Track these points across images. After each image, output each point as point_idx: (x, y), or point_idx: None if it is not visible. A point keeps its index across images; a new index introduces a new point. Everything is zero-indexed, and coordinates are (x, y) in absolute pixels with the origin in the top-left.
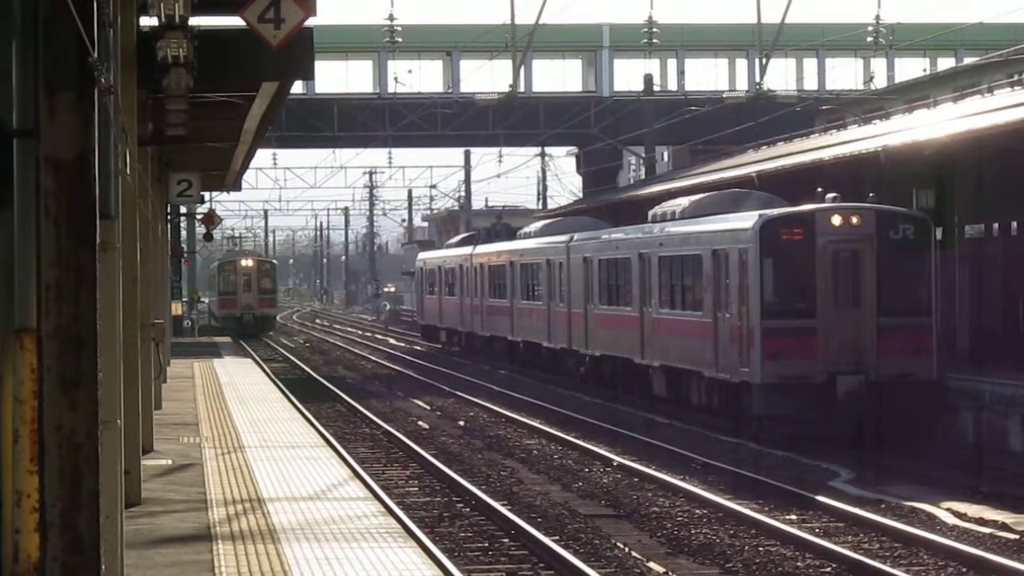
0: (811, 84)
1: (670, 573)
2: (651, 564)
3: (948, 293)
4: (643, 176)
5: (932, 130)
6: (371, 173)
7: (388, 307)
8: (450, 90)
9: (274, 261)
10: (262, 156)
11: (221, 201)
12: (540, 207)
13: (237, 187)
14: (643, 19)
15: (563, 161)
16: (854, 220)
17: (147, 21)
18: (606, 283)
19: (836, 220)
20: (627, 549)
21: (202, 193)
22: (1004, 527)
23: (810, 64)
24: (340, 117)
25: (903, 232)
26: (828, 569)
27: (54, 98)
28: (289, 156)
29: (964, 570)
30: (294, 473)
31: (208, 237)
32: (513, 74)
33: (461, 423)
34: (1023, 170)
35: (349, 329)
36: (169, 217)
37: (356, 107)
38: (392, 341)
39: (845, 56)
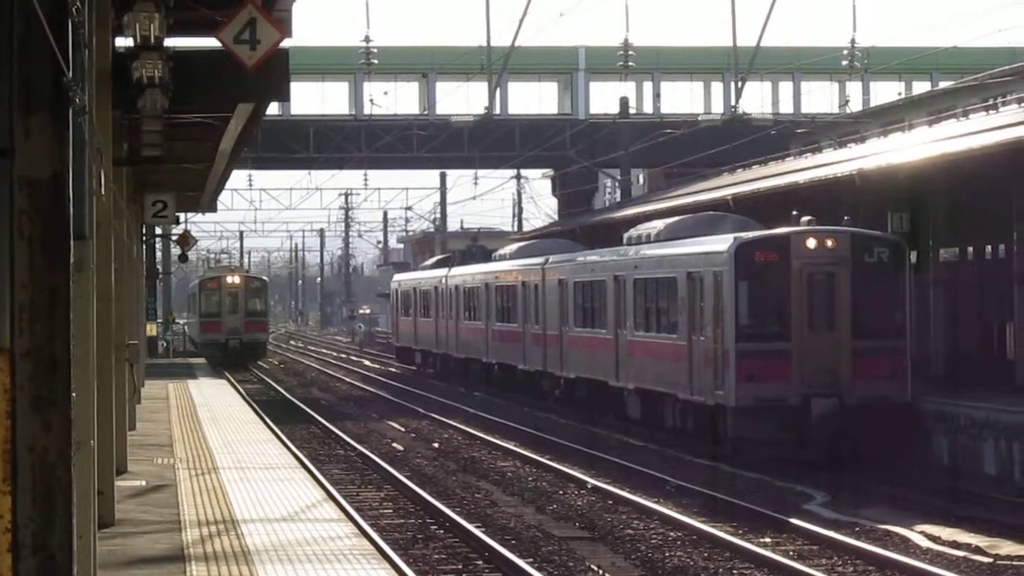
0: (787, 107)
1: None
2: None
3: (923, 316)
4: (618, 199)
5: (907, 154)
6: (347, 194)
7: (363, 329)
8: (426, 112)
9: (265, 279)
10: (237, 177)
11: (196, 222)
12: (515, 229)
13: (212, 208)
14: (619, 42)
15: (539, 183)
16: (829, 243)
17: (123, 42)
18: (581, 305)
19: (811, 243)
20: (601, 571)
21: (177, 214)
22: (978, 550)
23: (786, 87)
24: (316, 138)
25: (878, 255)
26: None
27: (29, 118)
28: (265, 177)
29: None
30: (268, 494)
31: (183, 258)
32: (489, 96)
33: (436, 445)
34: (998, 194)
35: (324, 351)
36: (144, 238)
37: (332, 128)
38: (367, 363)
39: (820, 80)
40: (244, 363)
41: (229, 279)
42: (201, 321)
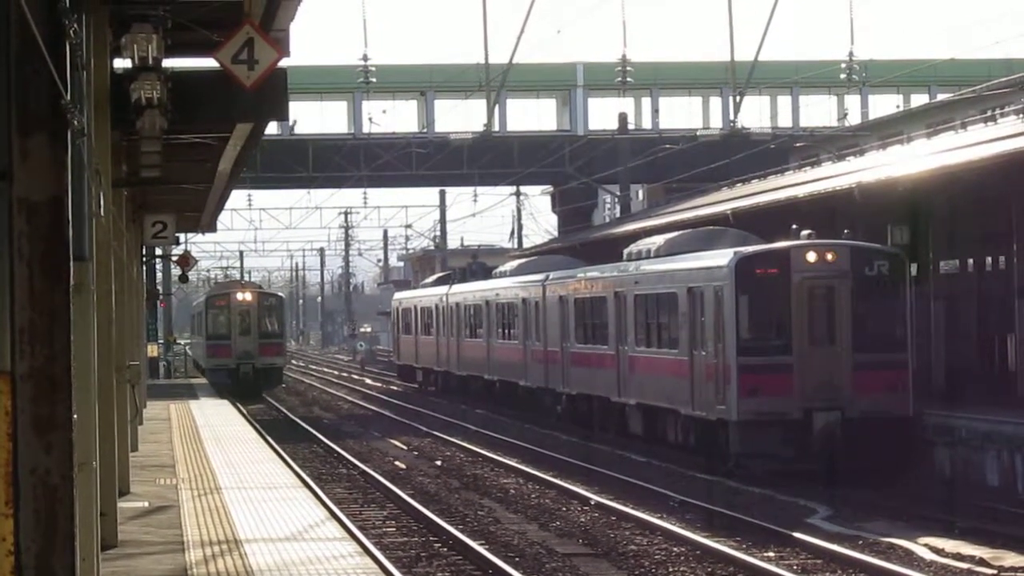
0: (785, 121)
1: None
2: None
3: (923, 329)
4: (618, 214)
5: (906, 166)
6: (346, 213)
7: (364, 347)
8: (424, 130)
9: (280, 295)
10: (237, 197)
11: (196, 242)
12: (515, 246)
13: (212, 228)
14: (617, 58)
15: (538, 200)
16: (829, 257)
17: (121, 63)
18: (582, 321)
19: (811, 257)
20: None
21: (177, 234)
22: (982, 562)
23: (784, 101)
24: (315, 157)
25: (878, 268)
26: None
27: (27, 140)
28: (264, 197)
29: None
30: (271, 514)
31: (183, 278)
32: (487, 113)
33: (438, 463)
34: (997, 206)
35: (325, 369)
36: (144, 259)
37: (331, 147)
38: (368, 381)
39: (819, 93)
40: (257, 392)
41: (240, 295)
42: (208, 344)
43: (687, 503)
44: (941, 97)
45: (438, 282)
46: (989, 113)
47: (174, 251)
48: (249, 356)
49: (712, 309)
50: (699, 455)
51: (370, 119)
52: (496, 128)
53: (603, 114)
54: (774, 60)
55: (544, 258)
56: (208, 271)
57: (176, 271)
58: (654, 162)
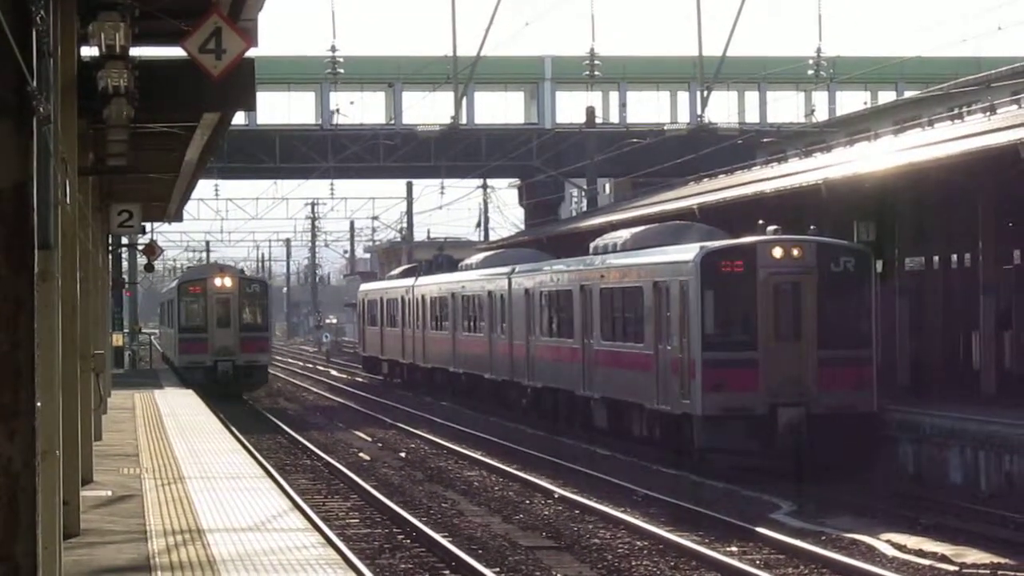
0: (752, 117)
1: None
2: None
3: (888, 325)
4: (585, 208)
5: (873, 163)
6: (313, 204)
7: (330, 339)
8: (392, 122)
9: (265, 280)
10: (204, 187)
11: (163, 232)
12: (482, 239)
13: (179, 218)
14: (585, 51)
15: (505, 193)
16: (795, 252)
17: (88, 51)
18: (548, 315)
19: (777, 252)
20: None
21: (143, 224)
22: (944, 559)
23: (751, 97)
24: (282, 148)
25: (844, 264)
26: None
27: None
28: (231, 187)
29: None
30: (234, 504)
31: (149, 268)
32: (455, 106)
33: (402, 455)
34: (963, 203)
35: (290, 361)
36: (110, 247)
37: (298, 138)
38: (334, 373)
39: (786, 89)
40: (237, 393)
41: (218, 281)
42: (181, 338)
43: (651, 497)
44: (908, 94)
45: (404, 274)
46: (956, 111)
47: (140, 240)
48: (228, 352)
49: (677, 304)
50: (664, 449)
51: (337, 110)
52: (463, 121)
53: (571, 107)
54: (742, 56)
55: (510, 251)
56: (174, 260)
57: (142, 260)
58: (621, 156)
